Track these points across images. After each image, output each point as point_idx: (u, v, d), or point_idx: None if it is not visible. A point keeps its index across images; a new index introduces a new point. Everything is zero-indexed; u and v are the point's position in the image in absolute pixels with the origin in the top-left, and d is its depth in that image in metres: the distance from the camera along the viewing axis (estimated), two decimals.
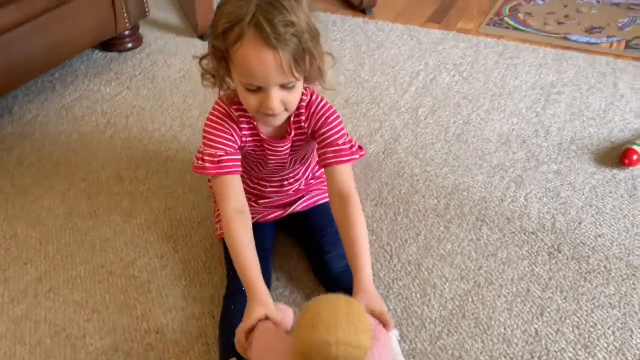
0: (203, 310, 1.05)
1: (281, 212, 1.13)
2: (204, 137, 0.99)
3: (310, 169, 1.16)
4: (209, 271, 1.13)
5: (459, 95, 1.66)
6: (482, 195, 1.30)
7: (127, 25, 1.79)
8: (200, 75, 0.99)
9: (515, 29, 2.03)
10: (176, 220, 1.25)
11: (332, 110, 1.01)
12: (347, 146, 1.00)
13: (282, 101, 0.89)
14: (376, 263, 1.14)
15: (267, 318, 0.86)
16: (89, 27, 1.67)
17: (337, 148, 0.99)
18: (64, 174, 1.39)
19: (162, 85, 1.73)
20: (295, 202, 1.14)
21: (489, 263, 1.14)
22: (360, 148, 1.04)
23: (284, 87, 0.88)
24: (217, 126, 0.98)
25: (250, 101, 0.90)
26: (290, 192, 1.15)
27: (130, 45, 1.90)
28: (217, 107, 1.00)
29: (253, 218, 1.02)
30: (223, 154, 0.97)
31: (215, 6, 1.93)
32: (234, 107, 0.98)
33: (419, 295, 1.08)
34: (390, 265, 1.14)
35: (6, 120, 1.59)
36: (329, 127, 0.99)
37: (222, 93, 1.01)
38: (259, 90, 0.88)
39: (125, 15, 1.76)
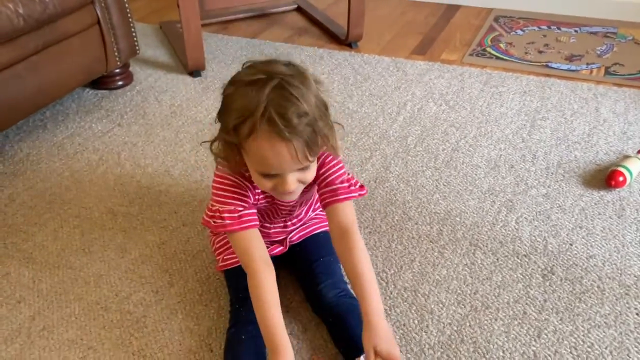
0: (200, 343, 1.04)
1: (282, 248, 1.13)
2: (217, 196, 0.97)
3: (312, 208, 1.17)
4: (205, 304, 1.12)
5: (446, 123, 1.69)
6: (474, 220, 1.32)
7: (118, 63, 1.82)
8: (213, 158, 0.97)
9: (498, 58, 2.09)
10: (170, 254, 1.25)
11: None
12: (345, 184, 1.00)
13: (298, 179, 0.90)
14: None
15: None
16: (80, 65, 1.69)
17: (335, 187, 0.99)
18: (56, 211, 1.39)
19: (153, 121, 1.74)
20: (291, 232, 1.15)
21: (484, 287, 1.14)
22: (362, 187, 1.04)
23: (299, 169, 0.88)
24: (230, 184, 0.96)
25: (265, 184, 0.90)
26: (292, 229, 1.15)
27: (120, 83, 1.92)
28: (222, 172, 0.98)
29: None
30: (242, 209, 0.95)
31: (203, 43, 1.98)
32: (243, 168, 0.95)
33: (416, 322, 1.08)
34: (386, 292, 1.14)
35: None
36: (327, 167, 0.99)
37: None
38: (274, 175, 0.88)
39: (116, 53, 1.79)
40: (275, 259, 1.16)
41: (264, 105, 0.80)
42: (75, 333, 1.08)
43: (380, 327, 0.89)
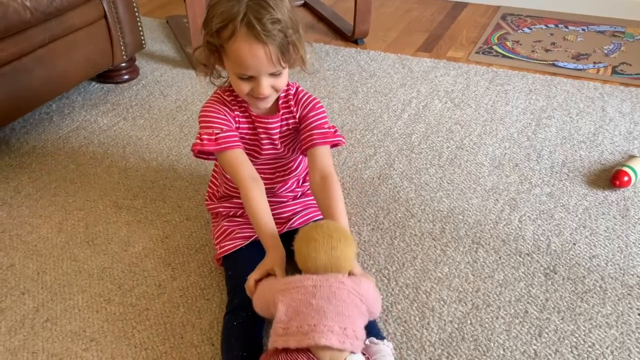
0: (202, 337, 1.05)
1: (280, 229, 1.14)
2: (200, 122, 1.07)
3: (301, 166, 1.20)
4: (207, 298, 1.13)
5: (451, 121, 1.69)
6: (477, 218, 1.32)
7: (124, 57, 1.82)
8: (194, 64, 1.08)
9: (504, 56, 2.08)
10: (173, 248, 1.25)
11: (317, 99, 1.11)
12: (332, 130, 1.09)
13: (271, 86, 1.00)
14: None
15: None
16: (86, 59, 1.69)
17: (323, 130, 1.08)
18: (61, 204, 1.39)
19: (158, 115, 1.75)
20: (291, 218, 1.16)
21: (486, 285, 1.14)
22: (341, 136, 1.12)
23: (272, 74, 0.98)
24: (211, 109, 1.07)
25: (243, 87, 1.00)
26: (282, 192, 1.18)
27: (126, 77, 1.93)
28: (211, 97, 1.10)
29: (252, 236, 1.11)
30: (219, 131, 1.04)
31: None
32: (226, 93, 1.08)
33: (417, 319, 1.08)
34: (388, 288, 1.14)
35: (3, 152, 1.60)
36: (315, 112, 1.09)
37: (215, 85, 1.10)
38: (250, 78, 0.98)
39: (122, 47, 1.80)
40: None
41: (243, 11, 0.92)
42: (79, 325, 1.09)
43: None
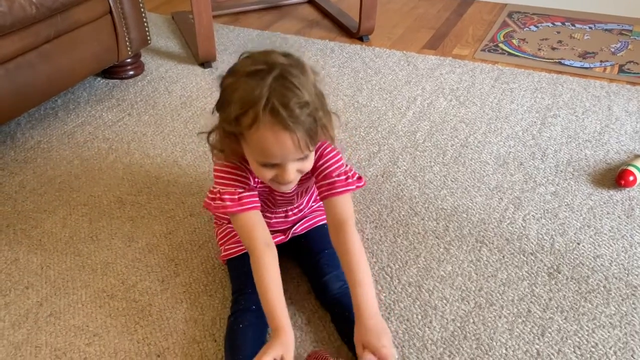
0: (204, 333, 1.05)
1: (283, 237, 1.14)
2: (218, 178, 0.98)
3: (312, 198, 1.18)
4: (210, 294, 1.13)
5: (455, 119, 1.68)
6: (481, 216, 1.31)
7: (129, 53, 1.83)
8: (210, 150, 0.99)
9: (510, 54, 2.07)
10: (177, 244, 1.26)
11: (327, 143, 1.02)
12: (342, 177, 1.00)
13: (297, 170, 0.91)
14: (376, 285, 1.14)
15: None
16: (91, 55, 1.70)
17: (331, 180, 0.99)
18: (65, 199, 1.40)
19: (163, 112, 1.75)
20: (295, 223, 1.16)
21: (489, 284, 1.14)
22: (359, 179, 1.04)
23: (299, 159, 0.90)
24: (230, 167, 0.98)
25: (265, 175, 0.91)
26: (294, 219, 1.16)
27: (131, 73, 1.93)
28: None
29: None
30: (242, 190, 0.97)
31: (215, 34, 1.98)
32: (245, 160, 0.98)
33: (419, 317, 1.08)
34: (390, 286, 1.14)
35: (8, 146, 1.61)
36: (324, 160, 1.00)
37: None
38: (274, 165, 0.89)
39: (127, 43, 1.80)
40: (281, 250, 1.17)
41: (266, 95, 0.81)
42: (82, 320, 1.09)
43: (372, 323, 0.89)
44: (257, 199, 0.99)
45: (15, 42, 1.45)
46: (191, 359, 1.01)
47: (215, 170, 0.99)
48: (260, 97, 0.81)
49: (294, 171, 0.90)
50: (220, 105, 0.90)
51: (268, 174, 0.91)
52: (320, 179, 1.01)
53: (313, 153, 0.93)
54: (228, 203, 0.95)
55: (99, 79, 1.93)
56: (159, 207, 1.36)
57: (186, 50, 2.13)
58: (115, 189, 1.43)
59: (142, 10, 1.82)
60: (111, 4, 1.71)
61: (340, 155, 1.02)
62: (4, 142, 1.62)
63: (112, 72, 1.91)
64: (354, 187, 1.01)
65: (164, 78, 1.94)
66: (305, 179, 1.04)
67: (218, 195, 0.97)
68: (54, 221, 1.33)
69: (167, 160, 1.53)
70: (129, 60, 1.89)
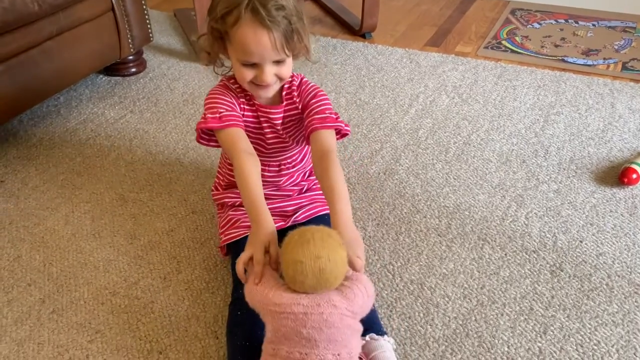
0: (206, 330, 1.05)
1: (283, 223, 1.14)
2: (205, 105, 1.07)
3: (306, 158, 1.20)
4: (212, 291, 1.13)
5: (458, 117, 1.68)
6: (483, 214, 1.31)
7: (131, 50, 1.82)
8: (197, 52, 1.09)
9: (513, 51, 2.06)
10: (179, 241, 1.26)
11: (321, 89, 1.10)
12: (334, 116, 1.07)
13: (275, 74, 0.99)
14: (378, 282, 1.14)
15: (267, 251, 0.89)
16: (94, 52, 1.70)
17: (324, 115, 1.06)
18: (67, 196, 1.40)
19: (165, 109, 1.75)
20: (296, 212, 1.16)
21: (491, 282, 1.14)
22: (347, 125, 1.09)
23: (276, 62, 0.98)
24: (217, 93, 1.07)
25: (246, 75, 0.99)
26: (288, 186, 1.18)
27: (134, 70, 1.93)
28: (216, 85, 1.10)
29: None
30: (223, 111, 1.04)
31: None
32: (230, 81, 1.08)
33: (421, 315, 1.08)
34: (392, 284, 1.14)
35: (11, 144, 1.61)
36: (317, 99, 1.08)
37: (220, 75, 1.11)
38: (254, 65, 0.98)
39: (129, 40, 1.80)
40: (279, 235, 1.17)
41: None
42: (84, 317, 1.09)
43: (346, 235, 0.91)
44: (240, 120, 1.05)
45: (18, 39, 1.45)
46: (193, 356, 1.01)
47: (205, 100, 1.08)
48: None
49: (271, 74, 0.98)
50: (210, 8, 0.99)
51: (248, 74, 0.99)
52: (312, 114, 1.06)
53: (290, 60, 1.01)
54: (209, 120, 1.03)
55: (101, 76, 1.93)
56: (161, 205, 1.36)
57: (188, 48, 2.13)
58: (117, 186, 1.43)
59: (144, 7, 1.81)
60: (113, 2, 1.70)
61: (330, 102, 1.09)
62: (7, 140, 1.63)
63: (115, 69, 1.91)
64: (343, 125, 1.07)
65: (166, 75, 1.94)
66: (294, 117, 1.10)
67: (202, 117, 1.05)
68: (57, 218, 1.33)
69: (170, 157, 1.53)
70: (131, 57, 1.89)
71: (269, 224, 0.92)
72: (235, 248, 1.11)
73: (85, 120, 1.70)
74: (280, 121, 1.10)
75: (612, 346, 1.01)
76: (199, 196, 1.39)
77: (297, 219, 1.16)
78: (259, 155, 1.11)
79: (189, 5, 2.41)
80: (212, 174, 1.45)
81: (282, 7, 0.93)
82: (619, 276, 1.14)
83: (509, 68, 1.93)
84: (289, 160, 1.17)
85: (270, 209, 1.13)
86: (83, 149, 1.58)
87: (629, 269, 1.16)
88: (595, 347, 1.01)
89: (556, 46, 2.09)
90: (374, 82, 1.87)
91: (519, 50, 2.07)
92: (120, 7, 1.73)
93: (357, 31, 2.21)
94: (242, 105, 1.08)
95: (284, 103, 1.09)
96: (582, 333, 1.03)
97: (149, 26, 1.86)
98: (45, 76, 1.56)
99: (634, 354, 0.99)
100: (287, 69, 1.01)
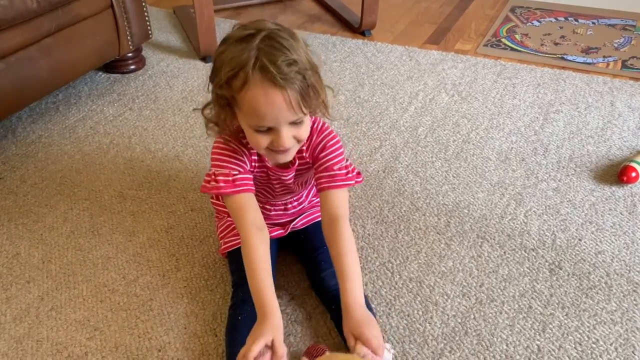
0: (205, 328, 1.05)
1: (282, 231, 1.14)
2: (214, 160, 0.99)
3: (312, 192, 1.18)
4: (211, 289, 1.13)
5: (457, 114, 1.67)
6: (482, 212, 1.31)
7: (130, 47, 1.82)
8: (204, 124, 1.00)
9: (512, 49, 2.06)
10: (178, 239, 1.26)
11: (332, 135, 1.02)
12: (343, 171, 1.00)
13: (293, 136, 0.90)
14: (377, 280, 1.14)
15: (272, 345, 0.86)
16: (93, 49, 1.69)
17: (332, 173, 1.00)
18: (66, 194, 1.40)
19: (164, 106, 1.75)
20: (294, 219, 1.15)
21: (490, 280, 1.14)
22: (358, 174, 1.05)
23: (293, 123, 0.89)
24: (227, 149, 0.98)
25: (261, 141, 0.90)
26: (293, 212, 1.16)
27: (133, 67, 1.92)
28: (221, 138, 1.00)
29: None
30: (237, 173, 0.97)
31: (215, 28, 1.97)
32: (241, 134, 0.98)
33: (420, 312, 1.08)
34: (391, 282, 1.14)
35: (10, 141, 1.60)
36: (327, 152, 1.00)
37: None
38: (268, 130, 0.89)
39: (129, 37, 1.79)
40: (281, 245, 1.17)
41: (255, 55, 0.82)
42: (83, 314, 1.09)
43: (359, 315, 0.89)
44: (252, 182, 0.99)
45: (17, 36, 1.45)
46: (192, 353, 1.01)
47: (212, 152, 1.00)
48: (249, 57, 0.82)
49: (289, 137, 0.89)
50: (213, 73, 0.91)
51: (263, 141, 0.90)
52: (320, 170, 1.01)
53: (308, 120, 0.92)
54: (222, 184, 0.96)
55: (100, 73, 1.93)
56: (160, 202, 1.36)
57: (187, 45, 2.12)
58: (116, 183, 1.43)
59: (143, 4, 1.81)
60: None
61: (342, 149, 1.02)
62: (5, 137, 1.62)
63: (114, 66, 1.90)
64: (352, 182, 1.02)
65: (165, 72, 1.93)
66: (305, 169, 1.04)
67: (213, 177, 0.97)
68: (55, 216, 1.33)
69: (168, 155, 1.53)
70: (130, 54, 1.89)
71: (274, 317, 0.87)
72: (235, 255, 1.10)
73: (84, 118, 1.70)
74: (291, 180, 1.05)
75: (611, 344, 1.01)
76: (198, 194, 1.38)
77: (296, 226, 1.15)
78: (264, 200, 1.09)
79: (188, 3, 2.40)
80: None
81: (295, 62, 0.84)
82: (617, 274, 1.15)
83: (509, 66, 1.93)
84: (295, 199, 1.15)
85: (269, 217, 1.14)
86: (82, 146, 1.58)
87: (628, 268, 1.16)
88: (594, 346, 1.01)
89: (556, 44, 2.09)
90: (373, 80, 1.86)
91: (519, 48, 2.07)
92: (120, 4, 1.73)
93: (357, 29, 2.21)
94: (253, 164, 1.00)
95: (296, 164, 1.02)
96: (581, 331, 1.03)
97: (148, 23, 1.85)
98: (43, 73, 1.55)
99: (633, 352, 1.00)
100: (305, 130, 0.92)
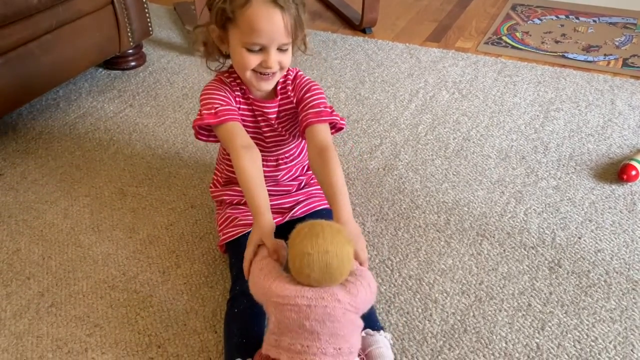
0: (205, 324, 1.06)
1: (281, 218, 1.14)
2: (201, 100, 1.06)
3: (304, 152, 1.20)
4: (211, 286, 1.13)
5: (458, 112, 1.67)
6: (482, 210, 1.31)
7: (131, 44, 1.82)
8: (193, 43, 1.09)
9: (513, 47, 2.06)
10: (178, 235, 1.26)
11: (315, 82, 1.09)
12: (328, 109, 1.06)
13: (278, 62, 0.98)
14: (377, 277, 1.14)
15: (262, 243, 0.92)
16: (93, 45, 1.69)
17: (319, 110, 1.06)
18: (67, 190, 1.40)
19: (165, 103, 1.75)
20: (293, 207, 1.16)
21: (489, 277, 1.14)
22: (342, 118, 1.10)
23: (280, 49, 0.98)
24: (211, 88, 1.06)
25: (250, 60, 0.98)
26: (286, 181, 1.18)
27: (133, 64, 1.92)
28: (211, 80, 1.09)
29: None
30: (218, 105, 1.03)
31: None
32: (225, 75, 1.08)
33: (420, 310, 1.08)
34: (391, 279, 1.14)
35: (10, 137, 1.60)
36: (312, 93, 1.07)
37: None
38: (259, 51, 0.97)
39: (129, 34, 1.79)
40: (280, 234, 1.16)
41: None
42: (83, 310, 1.09)
43: (351, 227, 0.93)
44: (236, 114, 1.05)
45: (17, 32, 1.45)
46: (192, 350, 1.01)
47: (200, 96, 1.07)
48: None
49: (276, 60, 0.97)
50: None
51: (253, 60, 0.97)
52: (306, 109, 1.06)
53: (291, 50, 1.00)
54: (205, 116, 1.02)
55: (100, 69, 1.93)
56: (160, 199, 1.36)
57: (188, 41, 2.12)
58: (116, 180, 1.43)
59: (144, 1, 1.81)
60: None
61: (325, 96, 1.09)
62: (6, 133, 1.62)
63: (114, 63, 1.90)
64: (338, 118, 1.07)
65: (165, 69, 1.93)
66: (289, 110, 1.10)
67: (199, 114, 1.04)
68: (56, 212, 1.33)
69: (169, 151, 1.53)
70: (130, 51, 1.88)
71: (265, 222, 0.93)
72: (233, 246, 1.11)
73: (85, 114, 1.70)
74: (275, 115, 1.10)
75: (610, 342, 1.01)
76: (198, 190, 1.39)
77: (295, 214, 1.16)
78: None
79: None
80: (211, 168, 1.45)
81: None
82: (617, 273, 1.15)
83: (509, 64, 1.93)
84: (286, 155, 1.17)
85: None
86: (82, 142, 1.58)
87: (627, 266, 1.16)
88: (593, 344, 1.01)
89: (556, 42, 2.09)
90: (374, 77, 1.86)
91: (520, 46, 2.06)
92: (120, 0, 1.72)
93: (358, 26, 2.20)
94: (237, 99, 1.08)
95: (279, 97, 1.09)
96: (580, 329, 1.04)
97: (148, 20, 1.85)
98: (44, 69, 1.55)
99: (632, 350, 1.00)
100: (288, 58, 1.01)
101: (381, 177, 1.42)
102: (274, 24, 0.93)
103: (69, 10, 1.57)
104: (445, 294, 1.11)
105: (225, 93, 1.06)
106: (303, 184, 1.21)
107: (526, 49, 2.05)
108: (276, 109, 1.10)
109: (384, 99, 1.75)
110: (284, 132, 1.13)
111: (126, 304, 1.10)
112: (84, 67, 1.72)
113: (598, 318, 1.05)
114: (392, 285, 1.13)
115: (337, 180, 0.98)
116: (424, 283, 1.13)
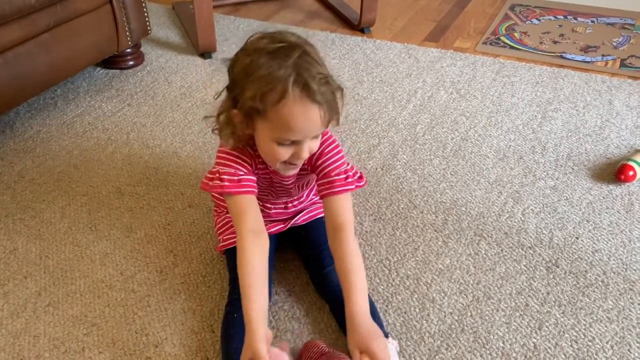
0: (202, 324, 1.06)
1: (282, 226, 1.14)
2: (220, 158, 0.98)
3: (313, 192, 1.18)
4: (208, 285, 1.13)
5: (456, 112, 1.68)
6: (480, 210, 1.31)
7: (129, 43, 1.82)
8: (213, 128, 0.98)
9: (511, 47, 2.06)
10: (175, 235, 1.26)
11: (330, 140, 1.01)
12: (342, 177, 1.00)
13: (309, 149, 0.92)
14: (375, 277, 1.14)
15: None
16: (91, 44, 1.69)
17: (330, 179, 0.99)
18: (64, 189, 1.40)
19: (163, 102, 1.74)
20: (295, 215, 1.15)
21: (487, 277, 1.14)
22: (360, 178, 1.04)
23: (313, 137, 0.91)
24: (235, 150, 0.98)
25: (282, 154, 0.91)
26: (293, 210, 1.16)
27: (131, 63, 1.92)
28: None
29: None
30: (242, 173, 0.97)
31: (215, 24, 1.97)
32: (250, 141, 0.98)
33: (417, 310, 1.08)
34: (388, 279, 1.14)
35: (8, 136, 1.60)
36: (324, 159, 1.00)
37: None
38: (292, 143, 0.90)
39: (127, 33, 1.79)
40: (280, 241, 1.17)
41: (295, 71, 0.84)
42: (80, 310, 1.09)
43: (365, 327, 0.89)
44: (255, 184, 0.99)
45: (15, 31, 1.44)
46: (189, 349, 1.01)
47: (219, 151, 0.99)
48: (288, 73, 0.83)
49: (307, 150, 0.91)
50: (237, 86, 0.89)
51: (284, 153, 0.90)
52: (320, 177, 1.01)
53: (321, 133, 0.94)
54: (226, 183, 0.95)
55: (98, 69, 1.92)
56: (158, 198, 1.36)
57: (186, 41, 2.12)
58: (114, 179, 1.43)
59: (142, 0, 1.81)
60: None
61: (341, 153, 1.02)
62: (3, 132, 1.62)
63: (112, 62, 1.90)
64: (353, 186, 1.01)
65: (163, 68, 1.93)
66: (305, 174, 1.05)
67: (217, 175, 0.97)
68: (53, 211, 1.33)
69: (167, 151, 1.53)
70: (128, 50, 1.88)
71: (258, 338, 0.84)
72: (232, 252, 1.09)
73: (82, 113, 1.70)
74: (291, 181, 1.06)
75: (607, 342, 1.01)
76: (196, 190, 1.38)
77: (297, 222, 1.15)
78: (265, 200, 1.09)
79: None
80: (209, 168, 1.45)
81: (327, 80, 0.86)
82: (614, 273, 1.15)
83: (507, 64, 1.93)
84: (295, 199, 1.15)
85: (269, 215, 1.13)
86: (80, 141, 1.57)
87: (625, 266, 1.16)
88: (590, 343, 1.01)
89: (555, 42, 2.09)
90: (372, 77, 1.86)
91: (518, 46, 2.07)
92: None
93: (356, 26, 2.20)
94: (258, 166, 1.00)
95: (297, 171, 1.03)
96: (577, 329, 1.04)
97: (147, 19, 1.85)
98: (42, 69, 1.55)
99: (629, 350, 1.00)
100: (317, 144, 0.94)
101: (379, 176, 1.42)
102: (310, 122, 0.86)
103: (66, 9, 1.57)
104: (442, 294, 1.11)
105: (248, 159, 0.98)
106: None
107: (524, 49, 2.05)
108: (294, 179, 1.05)
109: (382, 99, 1.75)
110: (295, 191, 1.10)
111: (123, 303, 1.10)
112: (82, 66, 1.72)
113: (595, 318, 1.06)
114: (390, 285, 1.13)
115: (351, 269, 0.93)
116: (421, 283, 1.13)
